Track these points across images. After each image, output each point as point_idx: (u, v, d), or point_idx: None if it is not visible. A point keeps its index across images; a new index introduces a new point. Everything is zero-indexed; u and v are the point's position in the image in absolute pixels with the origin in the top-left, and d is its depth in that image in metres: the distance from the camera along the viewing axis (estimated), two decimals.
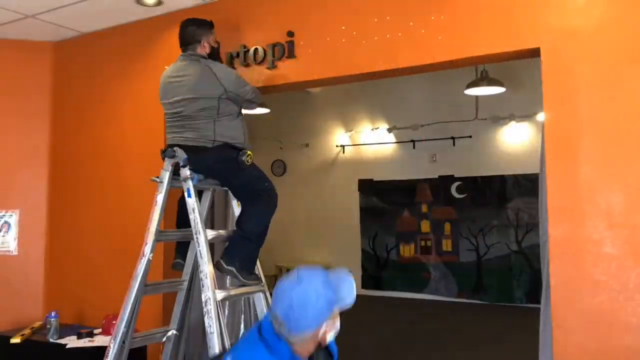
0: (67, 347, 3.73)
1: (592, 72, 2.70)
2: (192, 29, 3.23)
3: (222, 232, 3.23)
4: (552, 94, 2.80)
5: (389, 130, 8.47)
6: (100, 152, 4.35)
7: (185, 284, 3.36)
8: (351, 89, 7.04)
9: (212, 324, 2.78)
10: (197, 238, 2.95)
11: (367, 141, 8.58)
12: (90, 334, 3.87)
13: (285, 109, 8.45)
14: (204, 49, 3.22)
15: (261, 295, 3.21)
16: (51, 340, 3.84)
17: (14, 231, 4.48)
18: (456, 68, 3.33)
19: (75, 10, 3.96)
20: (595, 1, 2.72)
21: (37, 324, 4.24)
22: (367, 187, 8.45)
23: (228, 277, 3.41)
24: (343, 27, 3.35)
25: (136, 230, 4.12)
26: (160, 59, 4.10)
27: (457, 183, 8.01)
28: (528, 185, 7.33)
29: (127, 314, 3.02)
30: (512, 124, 7.58)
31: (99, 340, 3.80)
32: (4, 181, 4.48)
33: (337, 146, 8.83)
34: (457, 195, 8.01)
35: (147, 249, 3.03)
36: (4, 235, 4.46)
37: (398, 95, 8.14)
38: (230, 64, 3.74)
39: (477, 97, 7.45)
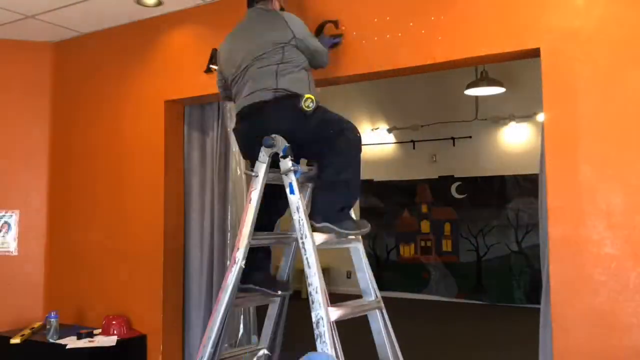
0: (67, 347, 3.73)
1: (592, 72, 2.70)
2: None
3: (333, 235, 2.65)
4: (552, 94, 2.79)
5: (389, 130, 8.47)
6: (100, 152, 4.35)
7: (279, 297, 2.95)
8: (351, 89, 7.03)
9: (327, 351, 2.29)
10: (303, 244, 2.47)
11: (367, 142, 8.57)
12: (90, 335, 3.87)
13: None
14: (275, 4, 2.97)
15: (377, 313, 2.70)
16: (51, 340, 3.84)
17: (14, 231, 4.48)
18: (456, 68, 3.33)
19: (75, 11, 3.96)
20: (595, 1, 2.72)
21: (37, 324, 4.24)
22: (367, 187, 8.44)
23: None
24: (343, 28, 3.35)
25: (136, 230, 4.13)
26: (160, 59, 4.10)
27: (457, 183, 8.01)
28: (528, 186, 7.33)
29: (214, 333, 2.57)
30: (512, 124, 7.59)
31: (99, 341, 3.80)
32: (4, 181, 4.48)
33: None
34: (457, 196, 8.02)
35: (239, 254, 2.61)
36: (3, 236, 4.46)
37: (398, 96, 8.14)
38: None
39: (477, 97, 7.46)
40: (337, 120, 2.76)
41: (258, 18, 2.92)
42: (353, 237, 2.73)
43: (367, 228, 2.73)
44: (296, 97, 2.66)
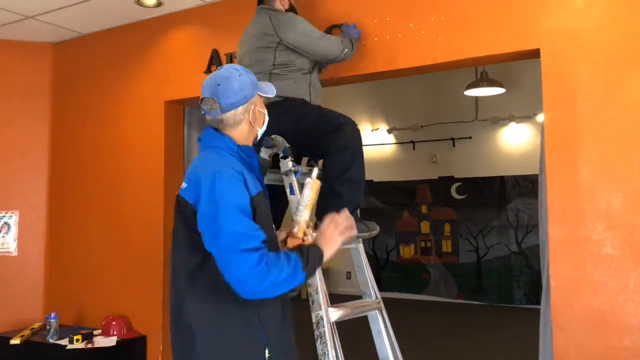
0: (67, 348, 3.72)
1: (591, 72, 2.70)
2: None
3: None
4: (552, 94, 2.80)
5: (389, 131, 8.47)
6: (100, 153, 4.35)
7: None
8: (351, 90, 7.04)
9: (327, 352, 2.26)
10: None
11: (367, 142, 8.58)
12: (90, 335, 3.87)
13: None
14: (278, 4, 2.94)
15: (377, 313, 2.71)
16: (51, 341, 3.84)
17: (13, 232, 4.48)
18: (456, 69, 3.33)
19: (75, 12, 3.96)
20: (595, 2, 2.72)
21: (37, 324, 4.24)
22: (367, 188, 8.43)
23: None
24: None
25: (136, 231, 4.13)
26: (160, 59, 4.10)
27: (457, 184, 8.01)
28: (528, 186, 7.33)
29: None
30: (512, 124, 7.59)
31: (98, 342, 3.80)
32: (4, 182, 4.48)
33: None
34: (457, 196, 8.02)
35: None
36: (3, 236, 4.46)
37: (398, 96, 8.14)
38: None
39: (477, 98, 7.46)
40: (335, 117, 2.78)
41: (257, 19, 2.93)
42: (363, 234, 2.74)
43: (375, 230, 2.78)
44: (291, 100, 2.71)
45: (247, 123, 1.91)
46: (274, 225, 1.96)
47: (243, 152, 1.88)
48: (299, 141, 2.68)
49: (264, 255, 1.66)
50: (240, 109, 1.88)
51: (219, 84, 1.86)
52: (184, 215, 1.78)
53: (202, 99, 1.90)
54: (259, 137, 2.02)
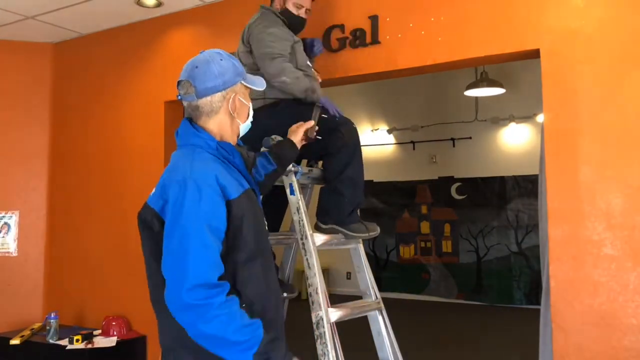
0: (67, 348, 3.72)
1: (591, 73, 2.70)
2: None
3: (334, 236, 2.67)
4: (552, 95, 2.80)
5: (389, 131, 8.47)
6: (99, 153, 4.35)
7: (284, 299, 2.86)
8: (351, 90, 7.04)
9: (327, 352, 2.26)
10: (303, 244, 2.46)
11: (367, 142, 8.58)
12: (90, 335, 3.87)
13: None
14: (278, 3, 2.88)
15: (377, 314, 2.70)
16: (51, 341, 3.84)
17: (13, 232, 4.48)
18: (456, 69, 3.33)
19: (75, 12, 3.96)
20: (595, 2, 2.72)
21: (37, 325, 4.24)
22: (367, 188, 8.41)
23: None
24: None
25: (136, 230, 4.11)
26: (160, 59, 4.10)
27: (456, 184, 8.01)
28: (528, 187, 7.33)
29: None
30: (512, 125, 7.59)
31: (98, 342, 3.80)
32: (4, 182, 4.48)
33: None
34: (457, 197, 8.01)
35: None
36: (3, 237, 4.46)
37: (398, 97, 8.14)
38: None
39: (476, 98, 7.46)
40: (331, 116, 2.75)
41: (252, 18, 2.91)
42: (361, 233, 2.72)
43: (376, 232, 2.74)
44: (285, 100, 2.69)
45: (227, 114, 1.73)
46: (267, 228, 1.83)
47: (224, 149, 1.71)
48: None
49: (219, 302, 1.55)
50: (218, 95, 1.71)
51: (196, 67, 1.72)
52: (152, 230, 1.64)
53: (178, 81, 1.75)
54: (241, 134, 1.83)
